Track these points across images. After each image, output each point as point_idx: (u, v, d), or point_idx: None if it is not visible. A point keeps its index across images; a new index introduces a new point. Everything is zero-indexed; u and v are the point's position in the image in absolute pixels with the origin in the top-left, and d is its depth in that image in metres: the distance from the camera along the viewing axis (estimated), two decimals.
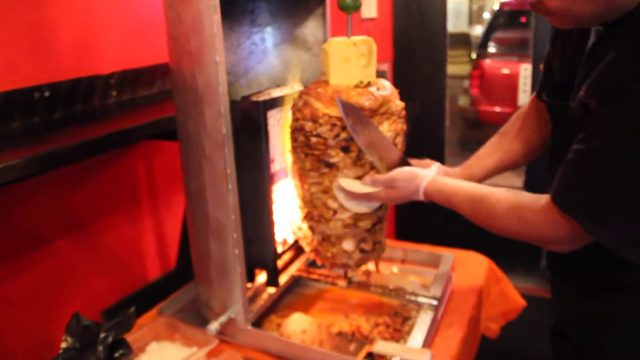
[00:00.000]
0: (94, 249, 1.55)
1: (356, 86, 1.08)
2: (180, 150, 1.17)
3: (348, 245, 1.18)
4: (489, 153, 1.19)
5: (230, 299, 1.16)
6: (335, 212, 1.14)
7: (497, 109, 4.90)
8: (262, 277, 1.36)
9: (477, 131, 5.10)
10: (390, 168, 1.08)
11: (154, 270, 1.78)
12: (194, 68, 1.02)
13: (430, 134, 2.63)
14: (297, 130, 1.11)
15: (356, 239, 1.18)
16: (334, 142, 1.07)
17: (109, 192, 1.58)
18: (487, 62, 5.07)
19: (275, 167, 1.23)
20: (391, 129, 1.10)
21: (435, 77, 2.57)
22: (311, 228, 1.21)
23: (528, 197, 0.89)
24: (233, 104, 1.13)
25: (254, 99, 1.16)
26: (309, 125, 1.07)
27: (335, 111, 1.04)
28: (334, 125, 1.06)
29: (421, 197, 1.03)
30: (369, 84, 1.10)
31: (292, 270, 1.44)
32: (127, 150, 1.62)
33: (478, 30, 7.05)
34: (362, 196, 1.09)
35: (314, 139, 1.08)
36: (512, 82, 4.80)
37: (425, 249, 1.55)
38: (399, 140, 1.13)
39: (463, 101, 5.65)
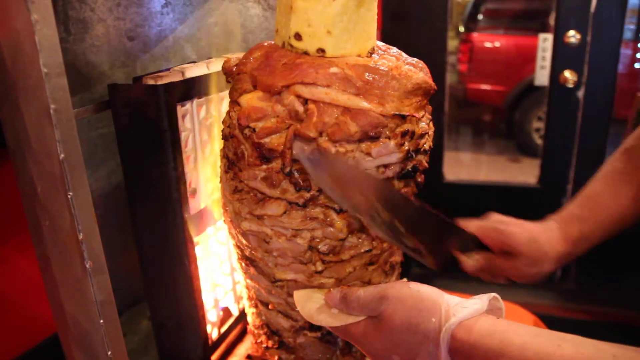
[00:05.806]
0: None
1: (360, 56, 0.55)
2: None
3: None
4: (614, 189, 0.66)
5: None
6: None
7: (487, 87, 4.51)
8: None
9: (464, 110, 4.74)
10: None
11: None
12: None
13: None
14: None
15: None
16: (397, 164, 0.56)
17: None
18: (476, 35, 4.62)
19: (196, 203, 0.70)
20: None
21: (433, 51, 2.07)
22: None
23: None
24: (113, 91, 0.60)
25: (153, 81, 0.62)
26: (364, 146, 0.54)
27: (400, 105, 0.53)
28: (407, 135, 0.55)
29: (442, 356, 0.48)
30: (372, 50, 0.57)
31: (239, 354, 0.91)
32: None
33: None
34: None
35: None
36: (504, 58, 4.46)
37: None
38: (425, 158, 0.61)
39: (449, 78, 5.20)
